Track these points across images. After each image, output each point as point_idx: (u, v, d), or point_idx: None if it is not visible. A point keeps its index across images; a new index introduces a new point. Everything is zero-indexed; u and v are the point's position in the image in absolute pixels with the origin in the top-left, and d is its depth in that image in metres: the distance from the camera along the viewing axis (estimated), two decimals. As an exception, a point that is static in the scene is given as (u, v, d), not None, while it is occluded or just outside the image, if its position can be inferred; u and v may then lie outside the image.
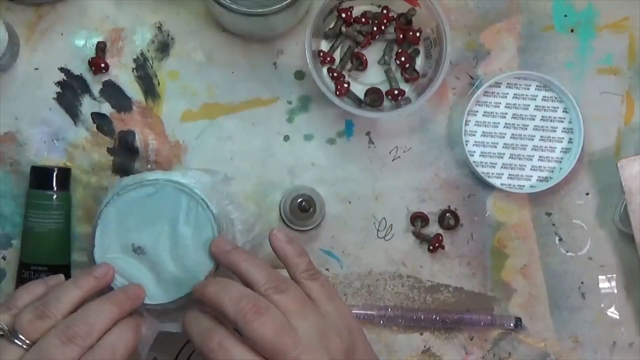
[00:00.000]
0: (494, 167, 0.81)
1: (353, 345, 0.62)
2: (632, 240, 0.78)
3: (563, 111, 0.81)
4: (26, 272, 0.77)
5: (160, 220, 0.68)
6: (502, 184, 0.81)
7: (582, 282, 0.82)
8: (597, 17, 0.82)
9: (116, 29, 0.80)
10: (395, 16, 0.80)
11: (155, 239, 0.67)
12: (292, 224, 0.79)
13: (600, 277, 0.82)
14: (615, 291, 0.82)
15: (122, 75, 0.80)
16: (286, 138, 0.81)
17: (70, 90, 0.80)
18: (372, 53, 0.81)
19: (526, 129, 0.81)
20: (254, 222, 0.74)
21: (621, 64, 0.82)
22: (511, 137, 0.81)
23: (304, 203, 0.78)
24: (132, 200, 0.68)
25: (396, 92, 0.79)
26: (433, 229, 0.81)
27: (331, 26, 0.80)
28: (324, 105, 0.80)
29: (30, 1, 0.79)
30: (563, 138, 0.81)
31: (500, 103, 0.81)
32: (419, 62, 0.81)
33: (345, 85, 0.78)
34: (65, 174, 0.78)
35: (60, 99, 0.80)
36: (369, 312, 0.80)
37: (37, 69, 0.80)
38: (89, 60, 0.80)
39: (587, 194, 0.82)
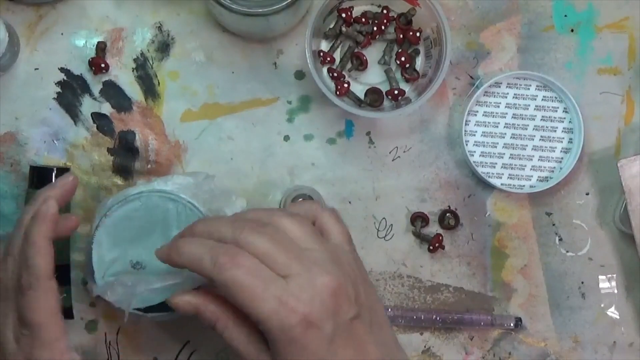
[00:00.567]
0: (494, 167, 0.81)
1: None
2: (632, 240, 0.78)
3: (563, 111, 0.81)
4: (26, 272, 0.77)
5: (153, 232, 0.68)
6: (502, 184, 0.81)
7: (582, 282, 0.82)
8: (597, 17, 0.82)
9: (116, 29, 0.80)
10: (395, 16, 0.80)
11: (151, 251, 0.65)
12: (292, 224, 0.79)
13: (600, 277, 0.82)
14: (615, 291, 0.82)
15: (122, 75, 0.80)
16: (286, 138, 0.81)
17: (70, 90, 0.80)
18: (372, 53, 0.81)
19: (526, 129, 0.81)
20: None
21: (621, 64, 0.82)
22: (511, 137, 0.81)
23: (304, 203, 0.78)
24: (121, 218, 0.68)
25: (396, 92, 0.79)
26: (433, 229, 0.81)
27: (331, 26, 0.80)
28: (324, 105, 0.80)
29: (30, 1, 0.79)
30: (563, 138, 0.81)
31: (500, 103, 0.81)
32: (419, 62, 0.81)
33: (345, 85, 0.78)
34: (64, 173, 0.78)
35: (60, 99, 0.80)
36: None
37: (37, 69, 0.80)
38: (89, 60, 0.80)
39: (587, 194, 0.82)
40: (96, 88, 0.80)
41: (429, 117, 0.82)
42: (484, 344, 0.81)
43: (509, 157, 0.81)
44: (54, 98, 0.80)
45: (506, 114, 0.81)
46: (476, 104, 0.81)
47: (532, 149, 0.81)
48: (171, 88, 0.80)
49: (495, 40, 0.82)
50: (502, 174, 0.81)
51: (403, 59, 0.79)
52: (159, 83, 0.80)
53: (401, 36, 0.80)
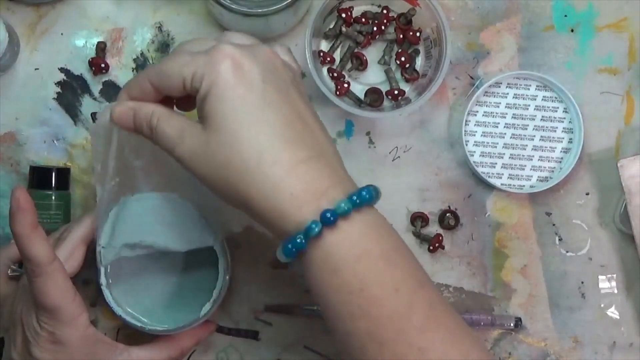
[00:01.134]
0: (494, 167, 0.81)
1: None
2: (632, 240, 0.78)
3: (563, 111, 0.81)
4: (26, 272, 0.77)
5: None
6: (502, 184, 0.81)
7: (582, 282, 0.82)
8: (597, 17, 0.82)
9: (116, 29, 0.80)
10: (395, 16, 0.80)
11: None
12: (292, 224, 0.79)
13: (600, 277, 0.82)
14: (615, 291, 0.82)
15: (122, 75, 0.80)
16: (286, 138, 0.81)
17: (70, 90, 0.80)
18: (372, 53, 0.81)
19: (526, 129, 0.81)
20: None
21: (621, 64, 0.82)
22: (511, 137, 0.81)
23: (304, 203, 0.78)
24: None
25: (396, 92, 0.79)
26: (433, 229, 0.81)
27: (331, 26, 0.80)
28: (324, 105, 0.80)
29: (30, 1, 0.79)
30: (563, 138, 0.81)
31: (500, 103, 0.81)
32: (419, 62, 0.81)
33: (345, 85, 0.78)
34: (64, 173, 0.78)
35: (60, 99, 0.80)
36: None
37: (37, 69, 0.80)
38: (89, 60, 0.80)
39: (587, 194, 0.82)
40: (96, 88, 0.80)
41: (429, 117, 0.82)
42: (483, 344, 0.81)
43: (509, 157, 0.81)
44: (54, 98, 0.80)
45: (506, 114, 0.81)
46: (476, 104, 0.81)
47: (532, 149, 0.81)
48: (171, 88, 0.80)
49: (495, 40, 0.82)
50: (502, 174, 0.81)
51: (403, 59, 0.79)
52: (159, 83, 0.80)
53: (401, 36, 0.80)
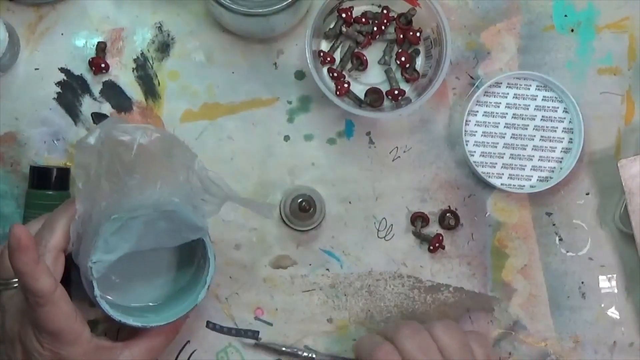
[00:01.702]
0: (494, 167, 0.81)
1: None
2: (632, 240, 0.78)
3: (563, 111, 0.81)
4: (26, 272, 0.77)
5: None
6: (502, 184, 0.81)
7: (582, 282, 0.82)
8: (597, 17, 0.82)
9: (116, 29, 0.80)
10: (395, 16, 0.80)
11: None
12: (292, 224, 0.79)
13: (601, 277, 0.82)
14: (616, 291, 0.82)
15: (123, 75, 0.80)
16: (286, 138, 0.81)
17: (70, 91, 0.80)
18: (372, 53, 0.81)
19: (526, 129, 0.81)
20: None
21: (621, 64, 0.82)
22: (511, 137, 0.81)
23: (304, 203, 0.78)
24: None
25: (396, 92, 0.79)
26: (433, 229, 0.81)
27: (331, 26, 0.80)
28: (324, 105, 0.80)
29: (30, 1, 0.79)
30: (563, 138, 0.81)
31: (500, 103, 0.81)
32: (419, 62, 0.81)
33: (346, 85, 0.78)
34: (64, 173, 0.78)
35: (60, 99, 0.80)
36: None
37: (38, 69, 0.80)
38: (89, 61, 0.80)
39: (587, 194, 0.82)
40: (96, 88, 0.80)
41: (429, 117, 0.81)
42: (484, 344, 0.81)
43: (509, 157, 0.81)
44: (54, 98, 0.80)
45: (506, 114, 0.81)
46: (476, 104, 0.81)
47: (532, 149, 0.81)
48: (171, 88, 0.80)
49: (495, 40, 0.82)
50: (502, 174, 0.81)
51: (403, 59, 0.79)
52: (159, 83, 0.80)
53: (401, 36, 0.80)
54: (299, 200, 0.78)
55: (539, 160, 0.81)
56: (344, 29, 0.79)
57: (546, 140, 0.81)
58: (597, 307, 0.82)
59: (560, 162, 0.81)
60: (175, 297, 0.72)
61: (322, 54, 0.79)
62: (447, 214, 0.81)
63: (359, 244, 0.81)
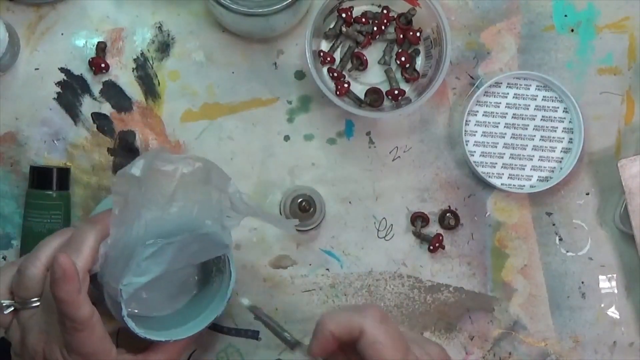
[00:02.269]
0: (494, 167, 0.81)
1: None
2: (632, 240, 0.78)
3: (563, 111, 0.81)
4: (26, 272, 0.77)
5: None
6: (502, 184, 0.81)
7: (582, 282, 0.82)
8: (597, 17, 0.82)
9: (116, 29, 0.80)
10: (395, 16, 0.80)
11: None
12: (292, 224, 0.79)
13: (601, 277, 0.82)
14: (616, 291, 0.82)
15: (123, 75, 0.80)
16: (286, 138, 0.81)
17: (70, 90, 0.80)
18: (372, 53, 0.81)
19: (526, 129, 0.81)
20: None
21: (621, 64, 0.82)
22: (511, 137, 0.81)
23: (304, 203, 0.78)
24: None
25: (396, 92, 0.79)
26: (433, 229, 0.81)
27: (331, 26, 0.80)
28: (324, 105, 0.80)
29: (30, 1, 0.79)
30: (563, 138, 0.81)
31: (500, 103, 0.81)
32: (419, 62, 0.81)
33: (346, 85, 0.78)
34: (64, 173, 0.78)
35: (60, 99, 0.80)
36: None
37: (38, 69, 0.80)
38: (89, 60, 0.80)
39: (587, 194, 0.82)
40: (96, 88, 0.80)
41: (429, 117, 0.81)
42: (484, 344, 0.81)
43: (509, 157, 0.81)
44: (54, 98, 0.80)
45: (506, 114, 0.81)
46: (476, 104, 0.81)
47: (532, 149, 0.81)
48: (171, 88, 0.80)
49: (495, 40, 0.82)
50: (502, 174, 0.81)
51: (403, 59, 0.79)
52: (159, 83, 0.80)
53: (401, 36, 0.80)
54: (299, 200, 0.78)
55: (539, 160, 0.81)
56: (344, 29, 0.79)
57: (546, 140, 0.81)
58: (597, 307, 0.82)
59: (560, 162, 0.81)
60: (194, 308, 0.72)
61: (322, 54, 0.79)
62: (447, 214, 0.81)
63: (359, 244, 0.81)
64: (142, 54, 0.80)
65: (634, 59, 0.82)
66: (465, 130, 0.80)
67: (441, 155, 0.81)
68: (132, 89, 0.80)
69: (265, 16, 0.73)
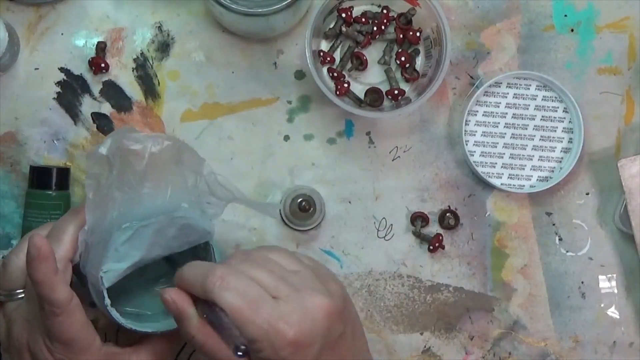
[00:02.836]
0: (494, 167, 0.81)
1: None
2: (632, 240, 0.78)
3: (563, 111, 0.81)
4: (26, 272, 0.77)
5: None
6: (502, 184, 0.81)
7: (582, 282, 0.82)
8: (597, 17, 0.82)
9: (116, 29, 0.80)
10: (395, 16, 0.80)
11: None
12: (292, 224, 0.79)
13: (601, 277, 0.82)
14: (616, 291, 0.82)
15: (122, 75, 0.80)
16: (286, 138, 0.81)
17: (70, 90, 0.80)
18: (372, 53, 0.81)
19: (526, 128, 0.81)
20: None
21: (621, 64, 0.82)
22: (511, 137, 0.81)
23: (304, 203, 0.78)
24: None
25: (396, 92, 0.79)
26: (433, 228, 0.81)
27: (331, 26, 0.80)
28: (324, 105, 0.80)
29: (30, 1, 0.79)
30: (563, 138, 0.81)
31: (500, 103, 0.81)
32: (419, 62, 0.81)
33: (345, 85, 0.78)
34: (64, 173, 0.78)
35: (60, 99, 0.80)
36: None
37: (37, 69, 0.80)
38: (89, 60, 0.80)
39: (587, 194, 0.82)
40: (96, 88, 0.80)
41: (429, 117, 0.82)
42: (484, 343, 0.81)
43: (509, 157, 0.81)
44: (54, 98, 0.80)
45: (506, 113, 0.81)
46: (476, 104, 0.81)
47: (532, 148, 0.81)
48: (171, 88, 0.80)
49: (495, 40, 0.82)
50: (502, 173, 0.81)
51: (403, 58, 0.79)
52: (159, 83, 0.80)
53: (401, 36, 0.80)
54: (299, 200, 0.78)
55: (538, 160, 0.81)
56: (343, 29, 0.80)
57: (546, 140, 0.81)
58: (597, 307, 0.82)
59: (560, 162, 0.81)
60: None
61: (322, 53, 0.79)
62: (447, 214, 0.81)
63: (358, 243, 0.81)
64: (142, 53, 0.80)
65: (634, 58, 0.82)
66: (465, 130, 0.80)
67: (441, 155, 0.81)
68: (132, 88, 0.80)
69: (265, 16, 0.73)
